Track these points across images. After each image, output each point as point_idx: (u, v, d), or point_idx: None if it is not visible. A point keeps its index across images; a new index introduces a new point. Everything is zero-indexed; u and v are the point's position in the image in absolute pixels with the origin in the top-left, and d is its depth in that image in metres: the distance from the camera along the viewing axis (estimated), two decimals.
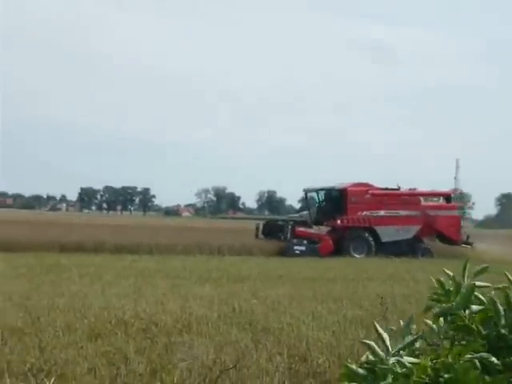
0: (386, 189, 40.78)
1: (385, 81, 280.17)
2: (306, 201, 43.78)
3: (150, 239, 37.02)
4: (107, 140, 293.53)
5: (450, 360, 2.23)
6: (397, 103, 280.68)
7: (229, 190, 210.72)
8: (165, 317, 12.62)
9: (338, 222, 39.03)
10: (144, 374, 8.71)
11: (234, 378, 8.57)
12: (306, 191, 42.79)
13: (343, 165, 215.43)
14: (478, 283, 2.61)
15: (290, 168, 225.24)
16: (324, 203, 41.19)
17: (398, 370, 2.24)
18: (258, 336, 11.06)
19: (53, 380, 7.07)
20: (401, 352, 2.29)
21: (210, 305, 14.60)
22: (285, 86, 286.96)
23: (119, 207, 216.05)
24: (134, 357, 9.48)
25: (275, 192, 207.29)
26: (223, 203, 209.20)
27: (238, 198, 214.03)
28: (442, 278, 2.60)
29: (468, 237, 40.71)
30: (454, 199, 47.38)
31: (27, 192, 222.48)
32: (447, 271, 2.65)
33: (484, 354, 2.29)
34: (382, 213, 39.19)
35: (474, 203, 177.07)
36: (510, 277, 2.60)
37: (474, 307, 2.53)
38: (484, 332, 2.45)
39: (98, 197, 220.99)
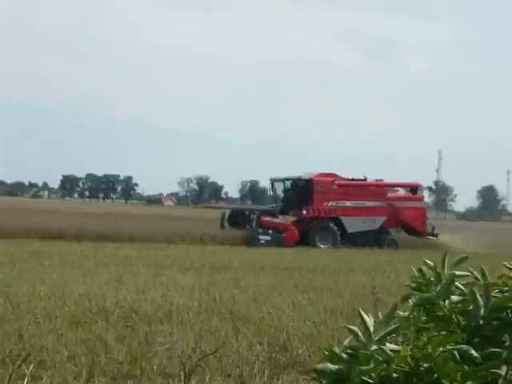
0: (353, 179, 40.73)
1: (372, 70, 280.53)
2: (272, 190, 43.45)
3: (132, 227, 36.99)
4: (90, 128, 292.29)
5: (430, 350, 2.24)
6: (376, 94, 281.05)
7: (211, 180, 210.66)
8: (146, 305, 12.62)
9: (304, 212, 38.88)
10: (124, 361, 8.71)
11: (214, 367, 8.58)
12: (273, 180, 42.54)
13: (328, 155, 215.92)
14: (457, 273, 2.62)
15: (273, 158, 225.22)
16: (290, 193, 40.94)
17: (380, 357, 2.25)
18: (239, 325, 11.07)
19: (32, 366, 7.04)
20: (383, 340, 2.30)
21: (191, 294, 14.60)
22: (271, 76, 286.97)
23: (101, 195, 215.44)
24: (114, 345, 9.47)
25: (258, 182, 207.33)
26: (206, 192, 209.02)
27: (221, 187, 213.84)
28: (423, 268, 2.60)
29: (433, 228, 40.81)
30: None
31: (9, 179, 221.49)
32: (428, 261, 2.65)
33: (464, 347, 2.30)
34: (348, 203, 39.08)
35: (455, 195, 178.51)
36: (485, 270, 2.62)
37: (454, 298, 2.54)
38: (463, 323, 2.46)
39: (80, 184, 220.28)
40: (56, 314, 11.44)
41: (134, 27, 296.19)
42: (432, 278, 2.57)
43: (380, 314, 2.43)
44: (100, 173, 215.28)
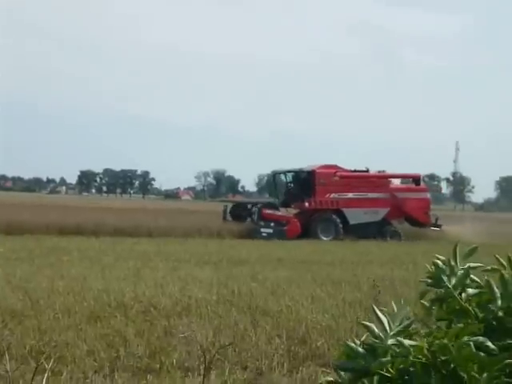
0: (355, 171, 40.41)
1: (381, 64, 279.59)
2: (274, 183, 43.03)
3: (149, 222, 37.05)
4: (107, 123, 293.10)
5: (446, 341, 2.24)
6: (394, 86, 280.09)
7: (228, 173, 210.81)
8: (164, 299, 12.66)
9: (306, 204, 38.64)
10: (143, 356, 8.75)
11: (233, 360, 8.61)
12: (274, 173, 42.32)
13: (344, 149, 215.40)
14: (471, 264, 2.62)
15: (290, 151, 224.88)
16: (292, 185, 40.72)
17: (397, 349, 2.26)
18: (257, 318, 11.09)
19: (52, 362, 7.09)
20: (399, 334, 2.31)
21: (209, 288, 14.63)
22: (287, 70, 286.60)
23: (119, 190, 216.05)
24: (134, 339, 9.52)
25: None
26: (223, 186, 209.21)
27: (238, 181, 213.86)
28: (439, 262, 2.60)
29: (437, 219, 40.50)
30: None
31: (27, 175, 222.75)
32: (440, 256, 2.65)
33: (480, 338, 2.29)
34: (350, 195, 38.76)
35: (473, 186, 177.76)
36: (501, 260, 2.61)
37: (470, 290, 2.54)
38: (481, 315, 2.46)
39: (98, 180, 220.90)
40: (75, 309, 11.50)
41: (146, 24, 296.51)
42: (447, 272, 2.57)
43: (395, 307, 2.43)
44: (117, 168, 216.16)
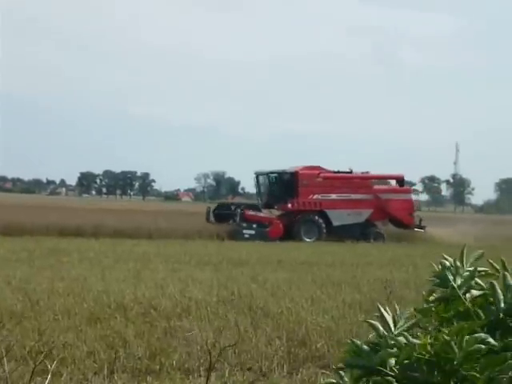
0: (338, 172, 40.31)
1: (382, 64, 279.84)
2: (257, 184, 42.65)
3: (149, 224, 37.04)
4: (107, 124, 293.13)
5: (449, 338, 2.24)
6: (394, 87, 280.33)
7: (228, 175, 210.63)
8: (164, 301, 12.65)
9: (289, 205, 38.48)
10: (143, 357, 8.74)
11: (233, 362, 8.60)
12: (257, 174, 42.02)
13: (344, 150, 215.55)
14: (478, 268, 2.62)
15: (289, 153, 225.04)
16: (275, 186, 40.43)
17: (402, 344, 2.26)
18: (257, 320, 11.08)
19: (54, 363, 7.07)
20: (403, 332, 2.31)
21: (209, 289, 14.62)
22: (286, 72, 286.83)
23: (119, 192, 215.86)
24: (134, 340, 9.51)
25: None
26: (223, 188, 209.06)
27: (238, 182, 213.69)
28: (446, 262, 2.60)
29: (421, 220, 40.41)
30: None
31: (27, 176, 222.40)
32: (447, 256, 2.65)
33: (482, 335, 2.30)
34: (333, 196, 38.63)
35: (473, 188, 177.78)
36: (495, 264, 2.61)
37: (475, 292, 2.53)
38: (484, 317, 2.45)
39: (98, 181, 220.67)
40: (75, 310, 11.49)
41: (148, 26, 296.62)
42: (453, 273, 2.56)
43: (397, 308, 2.43)
44: (117, 169, 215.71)
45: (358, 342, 2.30)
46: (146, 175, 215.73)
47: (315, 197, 38.54)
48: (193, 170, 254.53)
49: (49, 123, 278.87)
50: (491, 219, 63.04)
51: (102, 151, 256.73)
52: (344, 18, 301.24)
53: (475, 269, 2.59)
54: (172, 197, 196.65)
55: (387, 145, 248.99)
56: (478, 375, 2.22)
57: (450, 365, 2.24)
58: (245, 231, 36.58)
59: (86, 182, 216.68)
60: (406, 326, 2.32)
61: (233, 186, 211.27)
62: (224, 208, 40.80)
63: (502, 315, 2.44)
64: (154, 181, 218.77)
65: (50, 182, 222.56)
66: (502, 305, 2.44)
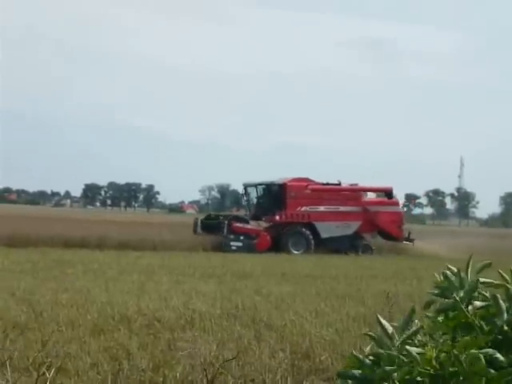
0: (327, 184, 40.27)
1: (384, 78, 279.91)
2: (245, 196, 42.86)
3: (154, 236, 37.04)
4: (112, 136, 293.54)
5: (456, 353, 2.23)
6: (398, 100, 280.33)
7: (233, 187, 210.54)
8: (168, 313, 12.63)
9: (277, 217, 38.49)
10: (147, 369, 8.72)
11: (236, 374, 8.58)
12: (246, 186, 41.99)
13: (347, 164, 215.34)
14: (481, 279, 2.61)
15: (293, 165, 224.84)
16: (263, 198, 40.52)
17: (404, 358, 2.25)
18: (261, 332, 11.06)
19: (53, 372, 7.07)
20: (404, 344, 2.30)
21: (213, 301, 14.60)
22: (288, 84, 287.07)
23: (123, 204, 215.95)
24: (137, 352, 9.48)
25: None
26: (227, 200, 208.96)
27: (242, 195, 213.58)
28: (449, 272, 2.60)
29: (409, 233, 40.36)
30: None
31: (31, 188, 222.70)
32: (451, 267, 2.64)
33: (490, 350, 2.29)
34: (321, 208, 38.61)
35: (478, 202, 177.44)
36: (505, 275, 2.61)
37: (477, 303, 2.53)
38: (486, 328, 2.45)
39: (102, 193, 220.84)
40: (79, 321, 11.48)
41: (147, 40, 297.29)
42: (456, 284, 2.56)
43: (395, 323, 2.43)
44: (122, 181, 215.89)
45: (359, 355, 2.29)
46: (150, 187, 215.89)
47: (303, 209, 38.48)
48: (197, 183, 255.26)
49: (54, 135, 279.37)
50: (491, 232, 62.84)
51: (106, 163, 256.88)
52: (344, 32, 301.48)
53: (477, 280, 2.58)
54: (176, 209, 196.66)
55: (391, 158, 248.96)
56: None
57: (456, 379, 2.23)
58: (232, 243, 36.54)
59: (91, 193, 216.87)
60: (407, 335, 2.32)
61: (237, 198, 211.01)
62: (211, 220, 40.70)
63: (505, 327, 2.43)
64: (158, 193, 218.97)
65: (54, 194, 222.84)
66: (505, 316, 2.44)
